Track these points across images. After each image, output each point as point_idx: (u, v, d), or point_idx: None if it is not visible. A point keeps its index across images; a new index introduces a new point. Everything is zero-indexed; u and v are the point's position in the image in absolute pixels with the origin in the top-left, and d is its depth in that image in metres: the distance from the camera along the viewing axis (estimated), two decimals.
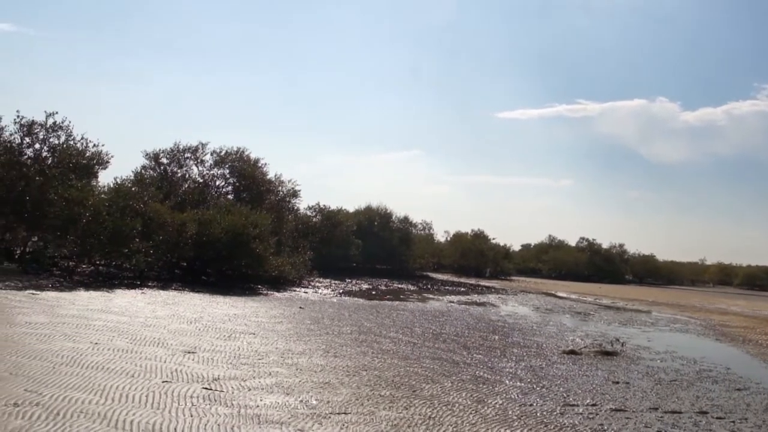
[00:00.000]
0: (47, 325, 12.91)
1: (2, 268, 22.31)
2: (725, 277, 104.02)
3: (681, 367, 15.14)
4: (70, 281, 21.85)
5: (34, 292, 18.11)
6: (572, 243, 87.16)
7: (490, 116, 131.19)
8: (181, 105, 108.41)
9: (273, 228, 30.23)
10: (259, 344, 13.30)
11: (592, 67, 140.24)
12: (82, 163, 26.21)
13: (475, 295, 36.68)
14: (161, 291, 22.28)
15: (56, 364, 9.67)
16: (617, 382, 12.42)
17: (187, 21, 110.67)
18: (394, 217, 51.31)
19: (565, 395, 10.80)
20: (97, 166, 27.12)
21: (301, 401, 8.86)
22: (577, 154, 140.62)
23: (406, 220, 52.82)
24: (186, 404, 8.21)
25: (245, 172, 36.60)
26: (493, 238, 68.79)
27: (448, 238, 69.31)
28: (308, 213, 44.00)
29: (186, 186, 35.91)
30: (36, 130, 25.57)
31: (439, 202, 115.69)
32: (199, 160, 36.62)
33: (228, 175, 37.13)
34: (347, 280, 37.20)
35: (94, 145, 26.83)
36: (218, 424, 7.50)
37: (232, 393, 9.00)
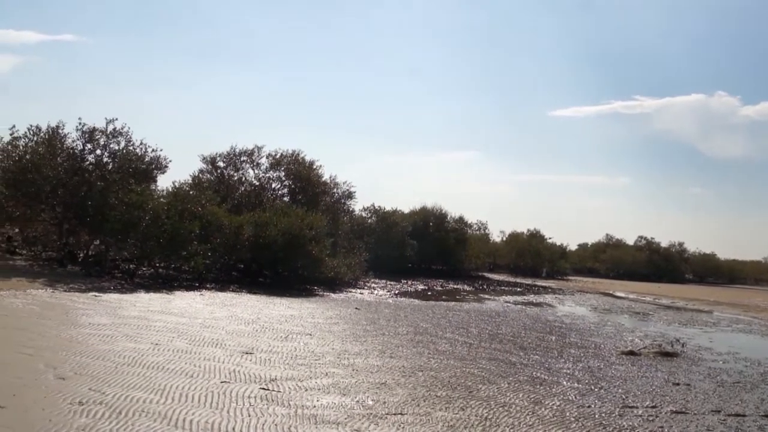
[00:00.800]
0: (109, 326, 13.20)
1: (66, 271, 22.87)
2: None
3: (744, 368, 14.77)
4: (131, 283, 22.30)
5: (96, 294, 18.52)
6: (630, 242, 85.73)
7: (544, 114, 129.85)
8: (237, 109, 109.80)
9: (328, 229, 30.36)
10: (316, 345, 13.38)
11: (647, 62, 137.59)
12: (141, 168, 26.74)
13: (532, 296, 36.36)
14: (219, 292, 22.58)
15: (118, 364, 9.88)
16: (678, 384, 12.17)
17: (237, 26, 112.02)
18: (449, 218, 51.09)
19: (623, 397, 10.62)
20: (155, 171, 27.64)
21: (358, 402, 8.90)
22: (634, 152, 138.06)
23: (461, 220, 52.57)
24: (244, 404, 8.32)
25: (300, 175, 36.87)
26: (549, 238, 68.08)
27: (504, 238, 68.75)
28: (363, 214, 44.13)
29: (242, 189, 36.37)
30: (97, 137, 26.21)
31: (494, 201, 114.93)
32: (254, 164, 37.08)
33: (283, 178, 37.46)
34: (403, 281, 37.19)
35: (153, 150, 27.39)
36: (276, 424, 7.58)
37: (289, 393, 9.08)
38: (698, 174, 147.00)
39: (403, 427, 7.88)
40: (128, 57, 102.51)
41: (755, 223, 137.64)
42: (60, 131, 25.98)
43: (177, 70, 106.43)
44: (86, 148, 26.28)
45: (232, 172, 36.66)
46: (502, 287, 42.17)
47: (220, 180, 35.62)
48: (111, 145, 26.50)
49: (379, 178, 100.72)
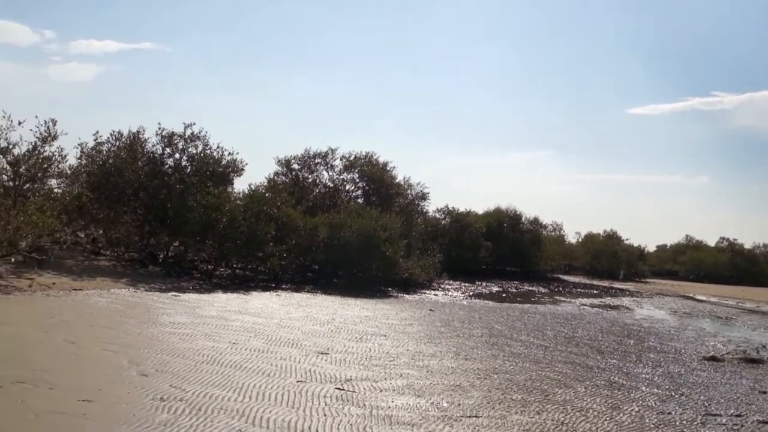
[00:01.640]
0: (189, 325, 13.52)
1: (148, 271, 23.49)
2: None
3: None
4: (209, 284, 22.78)
5: (176, 293, 18.98)
6: (711, 243, 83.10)
7: (620, 112, 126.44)
8: (311, 112, 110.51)
9: (402, 231, 30.38)
10: (390, 346, 13.43)
11: (726, 56, 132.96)
12: (218, 171, 27.26)
13: (608, 298, 35.68)
14: (295, 293, 22.85)
15: (197, 362, 10.12)
16: (765, 392, 11.68)
17: (312, 30, 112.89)
18: (523, 219, 50.41)
19: (706, 404, 10.30)
20: (232, 174, 28.12)
21: (432, 403, 8.91)
22: (714, 150, 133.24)
23: (536, 221, 51.85)
24: (320, 403, 8.42)
25: (374, 176, 37.03)
26: (627, 239, 66.50)
27: (580, 239, 67.53)
28: (437, 215, 43.97)
29: (317, 191, 36.73)
30: (176, 141, 26.89)
31: (569, 202, 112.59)
32: (329, 166, 37.41)
33: (357, 180, 37.69)
34: (477, 283, 36.96)
35: (230, 154, 27.89)
36: (351, 424, 7.65)
37: (364, 394, 9.15)
38: None
39: (479, 430, 7.87)
40: (204, 63, 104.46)
41: None
42: (141, 136, 26.78)
43: (251, 75, 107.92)
44: (165, 152, 27.01)
45: (306, 175, 37.08)
46: (578, 289, 41.51)
47: (294, 182, 36.03)
48: (189, 149, 27.16)
49: (452, 179, 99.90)
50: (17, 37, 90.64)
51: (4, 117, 22.98)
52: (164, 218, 25.86)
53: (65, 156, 24.89)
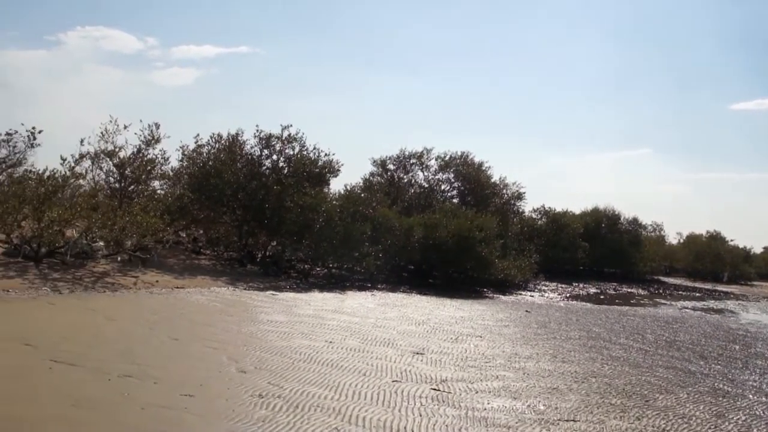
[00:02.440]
0: (286, 324, 13.71)
1: (246, 270, 23.96)
2: None
3: None
4: (305, 283, 23.07)
5: (274, 292, 19.30)
6: None
7: (723, 108, 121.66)
8: (406, 113, 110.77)
9: (498, 231, 30.10)
10: (486, 347, 13.30)
11: None
12: (314, 172, 27.58)
13: (712, 301, 34.45)
14: (390, 293, 22.91)
15: (295, 360, 10.24)
16: None
17: (404, 31, 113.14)
18: (622, 219, 49.18)
19: None
20: (328, 174, 28.39)
21: (529, 406, 8.77)
22: None
23: (635, 221, 50.50)
24: (415, 404, 8.39)
25: (469, 176, 36.84)
26: (731, 240, 64.10)
27: (681, 240, 65.47)
28: (533, 216, 43.41)
29: (412, 191, 36.78)
30: (273, 143, 27.36)
31: (670, 201, 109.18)
32: (424, 166, 37.42)
33: (452, 180, 37.59)
34: (574, 284, 36.28)
35: (326, 155, 28.16)
36: (446, 425, 7.60)
37: (460, 395, 9.07)
38: None
39: None
40: (299, 65, 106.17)
41: None
42: (239, 138, 27.36)
43: (346, 76, 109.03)
44: (263, 153, 27.52)
45: (401, 175, 37.20)
46: (679, 292, 40.26)
47: (390, 182, 36.19)
48: (286, 151, 27.58)
49: (547, 178, 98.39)
50: (123, 45, 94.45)
51: (111, 122, 23.98)
52: (262, 218, 26.35)
53: (168, 158, 25.84)
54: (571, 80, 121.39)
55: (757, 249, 75.57)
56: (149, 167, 24.88)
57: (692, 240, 63.83)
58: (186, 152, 27.15)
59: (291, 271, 25.33)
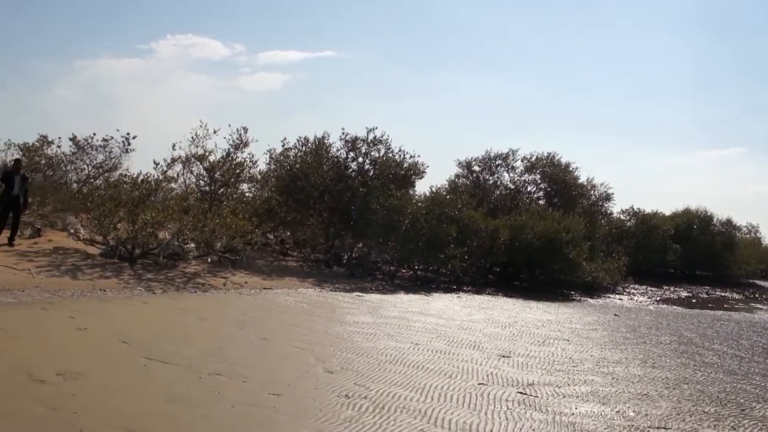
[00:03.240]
0: (372, 325, 13.78)
1: (332, 272, 24.21)
2: None
3: None
4: (391, 284, 23.16)
5: (360, 294, 19.43)
6: None
7: None
8: (489, 114, 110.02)
9: (586, 233, 29.63)
10: (573, 351, 13.10)
11: None
12: (400, 174, 27.67)
13: None
14: (475, 295, 22.80)
15: (381, 361, 10.29)
16: None
17: (488, 31, 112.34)
18: (714, 220, 47.63)
19: None
20: (414, 176, 28.44)
21: (618, 412, 8.58)
22: None
23: (728, 222, 48.77)
24: (501, 407, 8.32)
25: (556, 177, 36.37)
26: None
27: None
28: (621, 217, 42.53)
29: (498, 193, 36.53)
30: (359, 145, 27.57)
31: (766, 202, 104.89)
32: (509, 167, 37.11)
33: (539, 181, 37.17)
34: (664, 287, 35.33)
35: (411, 157, 28.21)
36: (533, 429, 7.52)
37: (547, 399, 8.95)
38: None
39: None
40: (383, 68, 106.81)
41: None
42: (325, 141, 27.66)
43: (430, 78, 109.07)
44: (349, 156, 27.76)
45: (487, 176, 36.99)
46: None
47: (475, 184, 36.04)
48: (372, 153, 27.75)
49: (635, 179, 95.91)
50: (211, 52, 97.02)
51: (201, 126, 24.60)
52: (348, 220, 26.60)
53: (256, 162, 26.28)
54: (660, 78, 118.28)
55: None
56: (238, 170, 25.38)
57: None
58: (273, 155, 27.67)
59: (377, 273, 25.47)
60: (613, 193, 38.92)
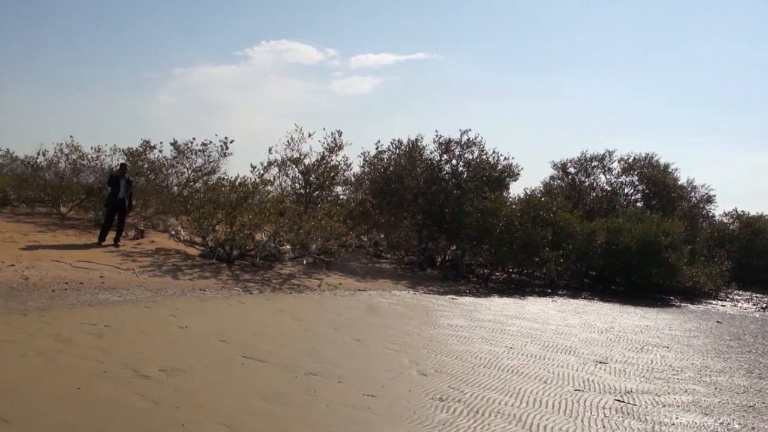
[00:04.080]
0: (466, 328, 13.73)
1: (426, 274, 24.24)
2: None
3: None
4: (485, 288, 23.02)
5: (453, 297, 19.40)
6: None
7: None
8: (585, 115, 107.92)
9: (686, 236, 28.73)
10: (673, 358, 12.73)
11: None
12: (494, 176, 27.46)
13: None
14: (571, 299, 22.43)
15: (475, 365, 10.25)
16: None
17: (586, 33, 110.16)
18: None
19: None
20: (508, 178, 28.20)
21: (721, 424, 8.29)
22: None
23: None
24: (598, 415, 8.17)
25: (654, 179, 35.39)
26: None
27: None
28: (724, 220, 41.06)
29: (593, 195, 35.86)
30: (452, 147, 27.51)
31: None
32: (606, 169, 36.33)
33: (636, 183, 36.25)
34: None
35: (505, 159, 27.96)
36: None
37: (645, 407, 8.73)
38: None
39: None
40: (476, 70, 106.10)
41: None
42: (419, 144, 27.70)
43: (523, 80, 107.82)
44: (443, 158, 27.72)
45: (583, 178, 36.36)
46: None
47: (571, 186, 35.48)
48: (465, 155, 27.65)
49: (739, 180, 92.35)
50: (304, 57, 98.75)
51: (296, 130, 25.05)
52: (442, 223, 26.56)
53: (350, 164, 26.59)
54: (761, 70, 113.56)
55: None
56: (332, 173, 25.72)
57: None
58: (367, 158, 27.90)
59: (470, 276, 25.35)
60: (715, 195, 37.65)
